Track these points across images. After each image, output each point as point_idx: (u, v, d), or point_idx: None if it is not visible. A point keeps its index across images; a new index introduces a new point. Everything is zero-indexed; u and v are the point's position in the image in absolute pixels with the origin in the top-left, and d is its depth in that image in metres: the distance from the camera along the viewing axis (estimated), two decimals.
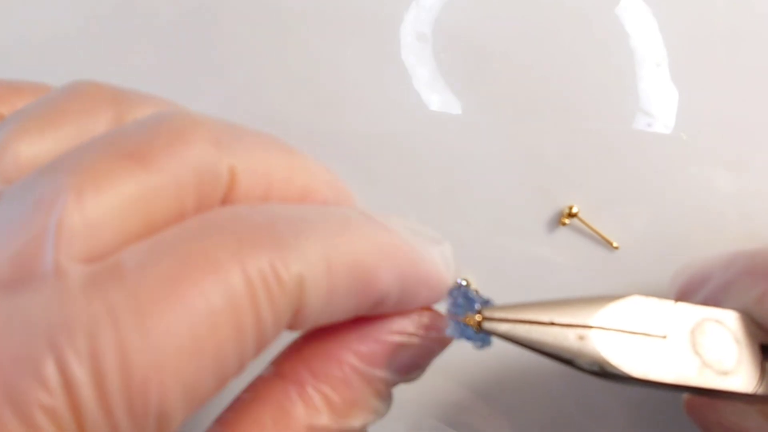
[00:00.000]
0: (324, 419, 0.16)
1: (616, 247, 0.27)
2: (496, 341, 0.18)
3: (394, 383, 0.18)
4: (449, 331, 0.20)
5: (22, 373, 0.12)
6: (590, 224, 0.27)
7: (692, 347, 0.18)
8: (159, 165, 0.14)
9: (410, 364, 0.18)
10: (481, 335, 0.19)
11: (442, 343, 0.18)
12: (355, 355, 0.17)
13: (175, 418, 0.13)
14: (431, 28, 0.28)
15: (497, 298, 0.27)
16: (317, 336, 0.17)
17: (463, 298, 0.19)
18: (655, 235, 0.27)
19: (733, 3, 0.28)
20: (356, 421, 0.17)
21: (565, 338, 0.17)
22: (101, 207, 0.13)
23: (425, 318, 0.18)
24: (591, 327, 0.17)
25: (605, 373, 0.17)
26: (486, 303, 0.20)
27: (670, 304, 0.18)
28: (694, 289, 0.22)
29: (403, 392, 0.27)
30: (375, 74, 0.28)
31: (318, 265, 0.14)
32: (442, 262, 0.18)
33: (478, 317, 0.17)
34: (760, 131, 0.27)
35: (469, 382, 0.28)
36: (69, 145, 0.15)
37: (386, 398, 0.18)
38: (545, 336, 0.17)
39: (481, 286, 0.27)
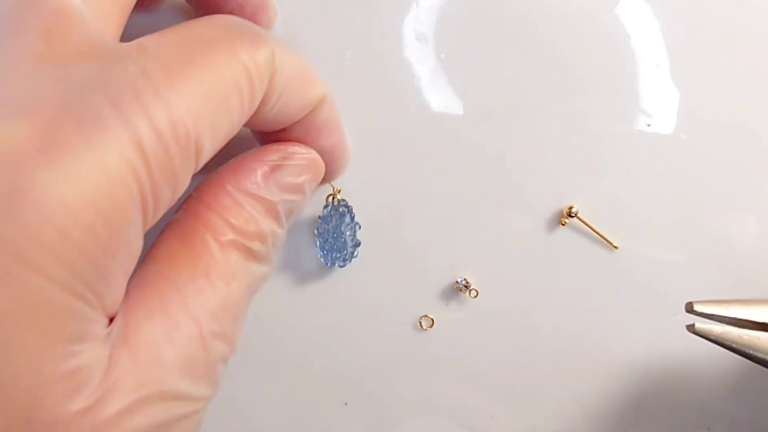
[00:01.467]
0: (228, 235, 0.19)
1: (616, 247, 0.27)
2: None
3: (284, 206, 0.21)
4: (324, 261, 0.27)
5: (90, 122, 0.14)
6: (590, 224, 0.27)
7: None
8: None
9: (288, 183, 0.21)
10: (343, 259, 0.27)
11: (312, 167, 0.23)
12: (237, 179, 0.20)
13: (206, 151, 0.17)
14: (431, 28, 0.28)
15: (497, 298, 0.27)
16: (208, 178, 0.20)
17: (337, 229, 0.27)
18: (655, 235, 0.27)
19: (733, 3, 0.28)
20: (255, 241, 0.20)
21: None
22: None
23: (294, 147, 0.22)
24: None
25: None
26: (357, 245, 0.26)
27: None
28: None
29: (410, 392, 0.27)
30: (375, 74, 0.28)
31: (280, 59, 0.19)
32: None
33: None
34: (760, 131, 0.28)
35: (474, 382, 0.28)
36: None
37: (279, 221, 0.21)
38: (759, 342, 0.17)
39: (480, 285, 0.27)
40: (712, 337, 0.17)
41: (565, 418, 0.27)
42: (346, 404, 0.28)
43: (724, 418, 0.27)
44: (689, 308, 0.17)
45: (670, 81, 0.28)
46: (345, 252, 0.26)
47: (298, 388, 0.28)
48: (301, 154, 0.22)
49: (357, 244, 0.27)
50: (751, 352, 0.16)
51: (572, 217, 0.27)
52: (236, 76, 0.17)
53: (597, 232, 0.27)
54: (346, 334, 0.28)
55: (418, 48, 0.28)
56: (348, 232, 0.26)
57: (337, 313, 0.28)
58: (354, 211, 0.27)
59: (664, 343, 0.27)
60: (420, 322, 0.28)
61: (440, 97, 0.28)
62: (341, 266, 0.27)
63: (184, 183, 0.17)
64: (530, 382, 0.27)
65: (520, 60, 0.28)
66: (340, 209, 0.26)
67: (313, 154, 0.23)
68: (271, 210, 0.20)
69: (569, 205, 0.27)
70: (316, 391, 0.28)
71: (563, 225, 0.27)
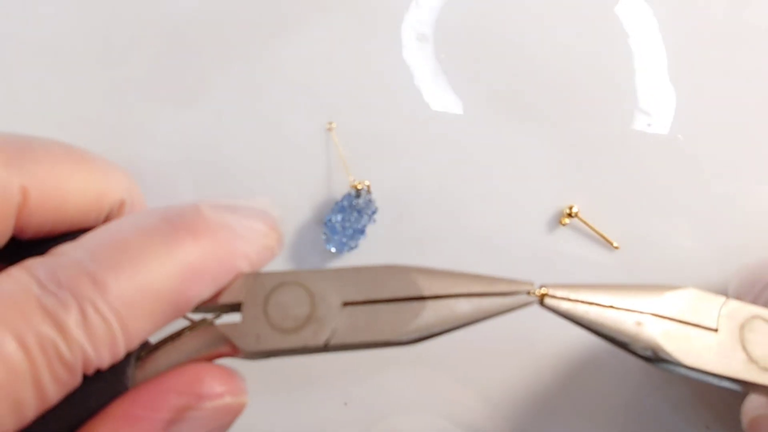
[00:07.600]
0: None
1: (617, 247, 0.27)
2: None
3: None
4: (328, 245, 0.26)
5: None
6: (590, 224, 0.27)
7: (740, 343, 0.19)
8: None
9: None
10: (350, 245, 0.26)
11: (228, 412, 0.17)
12: None
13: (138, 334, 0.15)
14: (431, 28, 0.28)
15: None
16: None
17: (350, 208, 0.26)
18: (655, 234, 0.27)
19: (731, 5, 0.28)
20: None
21: (623, 323, 0.18)
22: None
23: (206, 387, 0.16)
24: (648, 314, 0.18)
25: (658, 358, 0.18)
26: (374, 212, 0.26)
27: (721, 300, 0.19)
28: (745, 290, 0.24)
29: (410, 393, 0.27)
30: (375, 74, 0.28)
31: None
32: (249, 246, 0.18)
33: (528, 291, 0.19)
34: (756, 132, 0.28)
35: (474, 382, 0.28)
36: None
37: None
38: (604, 319, 0.18)
39: None
40: (561, 311, 0.18)
41: (565, 418, 0.27)
42: (345, 404, 0.28)
43: (724, 417, 0.27)
44: (542, 296, 0.18)
45: (669, 82, 0.28)
46: (355, 239, 0.27)
47: (298, 388, 0.28)
48: (212, 399, 0.16)
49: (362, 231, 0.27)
50: (597, 328, 0.18)
51: (572, 217, 0.27)
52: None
53: (597, 232, 0.27)
54: None
55: (418, 48, 0.28)
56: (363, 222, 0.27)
57: None
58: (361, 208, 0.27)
59: None
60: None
61: (440, 97, 0.28)
62: (350, 249, 0.27)
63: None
64: (529, 383, 0.27)
65: (519, 60, 0.28)
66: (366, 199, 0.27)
67: (233, 397, 0.17)
68: None
69: (569, 205, 0.27)
70: (316, 391, 0.28)
71: (563, 225, 0.27)
